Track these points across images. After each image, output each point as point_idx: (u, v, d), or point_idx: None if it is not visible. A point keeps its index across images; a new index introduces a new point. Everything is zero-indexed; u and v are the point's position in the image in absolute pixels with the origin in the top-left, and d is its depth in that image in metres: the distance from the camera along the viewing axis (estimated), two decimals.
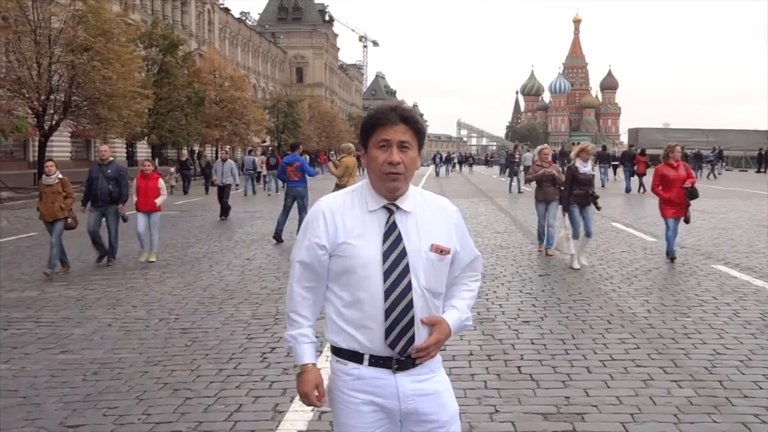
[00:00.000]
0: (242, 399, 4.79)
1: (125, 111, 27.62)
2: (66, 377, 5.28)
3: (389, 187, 2.24)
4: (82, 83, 26.89)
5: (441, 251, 2.28)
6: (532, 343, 6.09)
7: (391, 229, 2.24)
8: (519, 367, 5.40)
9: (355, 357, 2.25)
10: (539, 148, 11.97)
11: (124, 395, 4.89)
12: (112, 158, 11.03)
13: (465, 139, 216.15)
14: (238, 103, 47.95)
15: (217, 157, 44.51)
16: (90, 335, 6.51)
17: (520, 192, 27.57)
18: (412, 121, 2.28)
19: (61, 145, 36.02)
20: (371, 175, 2.29)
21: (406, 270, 2.21)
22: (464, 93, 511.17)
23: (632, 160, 29.48)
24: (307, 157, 36.72)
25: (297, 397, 4.68)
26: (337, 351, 2.30)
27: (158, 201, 11.04)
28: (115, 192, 10.63)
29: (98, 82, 26.55)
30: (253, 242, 13.20)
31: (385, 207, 2.26)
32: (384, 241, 2.22)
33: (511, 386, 4.95)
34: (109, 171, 10.69)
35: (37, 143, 29.28)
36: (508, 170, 44.22)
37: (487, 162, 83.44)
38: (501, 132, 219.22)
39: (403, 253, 2.22)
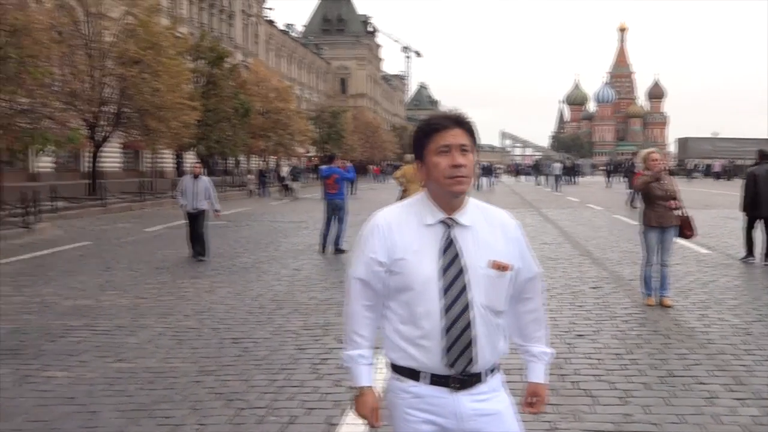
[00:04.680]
0: (295, 411, 4.78)
1: (174, 122, 28.09)
2: (121, 386, 5.34)
3: (455, 191, 2.18)
4: (133, 95, 27.44)
5: (501, 267, 2.22)
6: (588, 357, 5.96)
7: (448, 244, 2.19)
8: (575, 383, 5.28)
9: (413, 375, 2.21)
10: (645, 152, 8.58)
11: (178, 404, 4.91)
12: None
13: (508, 149, 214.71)
14: (283, 113, 48.41)
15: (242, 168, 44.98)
16: (143, 344, 6.58)
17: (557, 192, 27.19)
18: (467, 124, 2.24)
19: (112, 156, 36.82)
20: (431, 185, 2.24)
21: (465, 287, 2.16)
22: (507, 102, 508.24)
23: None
24: (351, 164, 36.95)
25: (350, 411, 4.66)
26: (395, 368, 2.25)
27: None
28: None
29: (148, 94, 27.07)
30: (300, 252, 13.26)
31: (442, 221, 2.22)
32: (441, 256, 2.18)
33: (568, 402, 4.84)
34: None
35: (89, 154, 29.95)
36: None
37: (518, 173, 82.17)
38: (544, 142, 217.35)
39: (461, 270, 2.16)
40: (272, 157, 50.56)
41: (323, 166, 14.48)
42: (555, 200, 30.79)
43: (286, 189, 34.03)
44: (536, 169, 63.18)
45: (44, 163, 30.84)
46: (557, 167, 46.45)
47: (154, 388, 5.29)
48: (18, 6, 17.90)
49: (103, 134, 28.65)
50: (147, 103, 27.23)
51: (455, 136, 2.19)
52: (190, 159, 46.38)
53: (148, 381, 5.44)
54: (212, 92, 37.29)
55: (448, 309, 2.15)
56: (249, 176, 38.28)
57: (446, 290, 2.15)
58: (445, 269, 2.16)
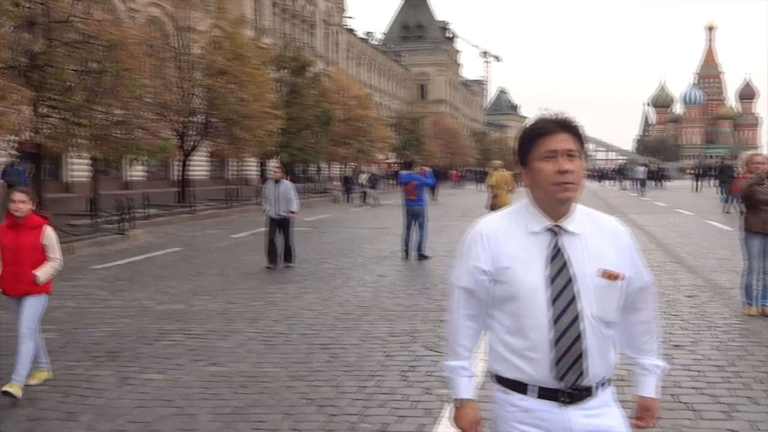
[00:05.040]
0: (386, 418, 4.77)
1: (258, 131, 28.74)
2: (216, 389, 5.46)
3: (561, 198, 2.11)
4: (219, 105, 28.25)
5: (611, 277, 2.13)
6: (687, 369, 5.73)
7: (555, 252, 2.12)
8: (675, 395, 5.07)
9: (520, 387, 2.14)
10: (748, 154, 8.40)
11: (272, 409, 4.98)
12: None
13: (591, 153, 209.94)
14: (364, 121, 48.81)
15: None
16: (235, 348, 6.72)
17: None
18: (574, 129, 2.15)
19: (199, 165, 37.97)
20: (536, 192, 2.17)
21: (574, 297, 2.08)
22: (589, 106, 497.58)
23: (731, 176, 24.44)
24: (430, 169, 36.92)
25: (442, 419, 4.62)
26: (500, 380, 2.19)
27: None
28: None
29: (234, 104, 27.80)
30: (384, 258, 13.30)
31: (548, 229, 2.15)
32: (548, 265, 2.11)
33: (669, 416, 4.64)
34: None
35: (178, 163, 31.00)
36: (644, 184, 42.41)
37: (602, 177, 79.87)
38: (628, 145, 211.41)
39: (570, 279, 2.09)
40: (353, 163, 51.01)
41: (403, 172, 14.50)
42: (641, 205, 29.89)
43: (365, 196, 34.14)
44: (621, 173, 61.58)
45: (137, 172, 32.06)
46: (642, 171, 45.17)
47: (248, 392, 5.39)
48: (114, 22, 18.72)
49: (191, 143, 29.61)
50: (233, 113, 27.97)
51: (561, 141, 2.12)
52: (273, 166, 47.40)
53: (241, 385, 5.55)
54: (295, 101, 37.96)
55: (556, 320, 2.08)
56: (335, 183, 38.74)
57: (554, 300, 2.09)
58: (553, 278, 2.10)
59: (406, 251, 13.24)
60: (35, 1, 15.67)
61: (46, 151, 16.84)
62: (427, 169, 15.92)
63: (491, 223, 2.24)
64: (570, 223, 2.15)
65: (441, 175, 47.14)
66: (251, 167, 46.13)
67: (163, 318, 8.12)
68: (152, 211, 22.29)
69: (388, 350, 6.55)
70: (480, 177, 64.49)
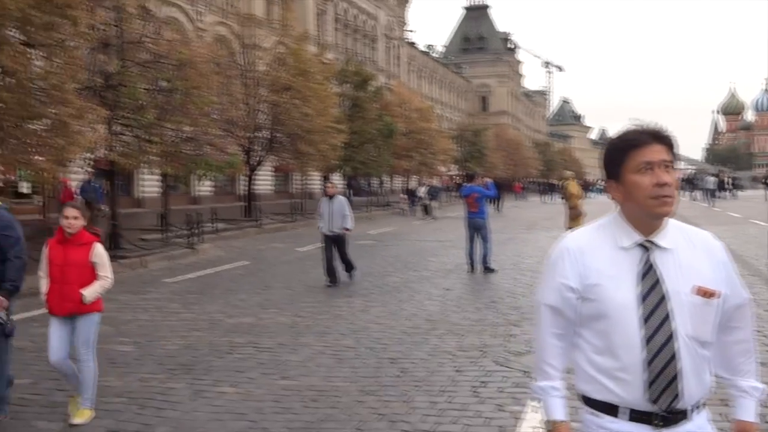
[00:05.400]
0: None
1: (322, 145, 29.05)
2: (288, 403, 5.49)
3: (660, 213, 2.03)
4: (284, 120, 28.69)
5: (707, 294, 2.03)
6: None
7: (647, 269, 2.03)
8: (763, 415, 4.85)
9: (610, 410, 2.05)
10: None
11: (343, 424, 4.98)
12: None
13: None
14: (426, 133, 48.80)
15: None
16: (305, 362, 6.76)
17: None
18: (668, 139, 2.07)
19: (264, 179, 38.59)
20: (628, 206, 2.09)
21: (668, 315, 1.99)
22: (656, 115, 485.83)
23: None
24: (491, 180, 36.58)
25: None
26: (589, 402, 2.11)
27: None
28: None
29: (298, 119, 28.20)
30: (449, 272, 13.22)
31: (640, 244, 2.07)
32: (639, 282, 2.02)
33: None
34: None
35: (245, 178, 31.58)
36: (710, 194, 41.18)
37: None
38: (697, 155, 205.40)
39: (663, 297, 2.00)
40: (415, 176, 51.02)
41: (465, 184, 14.41)
42: (713, 216, 28.94)
43: (425, 209, 33.79)
44: (690, 183, 59.81)
45: (205, 187, 32.81)
46: (711, 181, 43.82)
47: (319, 406, 5.40)
48: (183, 42, 19.25)
49: (257, 158, 30.13)
50: (297, 128, 28.37)
51: (657, 152, 2.04)
52: (336, 180, 47.85)
53: (312, 399, 5.57)
54: (357, 115, 38.26)
55: (649, 339, 2.00)
56: (401, 196, 38.40)
57: (646, 319, 2.01)
58: (645, 296, 2.02)
59: (472, 264, 13.14)
60: (110, 24, 16.23)
61: (119, 167, 17.35)
62: (489, 180, 15.79)
63: (578, 238, 2.17)
64: (662, 238, 2.07)
65: (504, 187, 46.57)
66: (315, 181, 46.62)
67: (233, 331, 8.23)
68: (220, 225, 22.73)
69: (458, 365, 6.48)
70: (544, 189, 63.68)
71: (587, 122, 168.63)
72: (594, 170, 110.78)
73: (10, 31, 11.43)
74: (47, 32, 11.78)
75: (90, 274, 5.19)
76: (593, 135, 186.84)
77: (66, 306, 5.13)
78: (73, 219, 5.15)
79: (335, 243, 11.86)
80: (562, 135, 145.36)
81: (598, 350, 2.08)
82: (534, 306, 2.25)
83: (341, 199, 12.07)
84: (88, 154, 15.95)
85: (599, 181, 57.49)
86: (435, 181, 49.03)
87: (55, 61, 12.50)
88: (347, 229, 11.93)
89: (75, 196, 20.22)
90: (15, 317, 5.43)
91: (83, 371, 5.23)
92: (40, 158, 12.35)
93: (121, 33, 16.55)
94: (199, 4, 37.70)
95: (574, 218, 14.41)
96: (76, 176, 20.27)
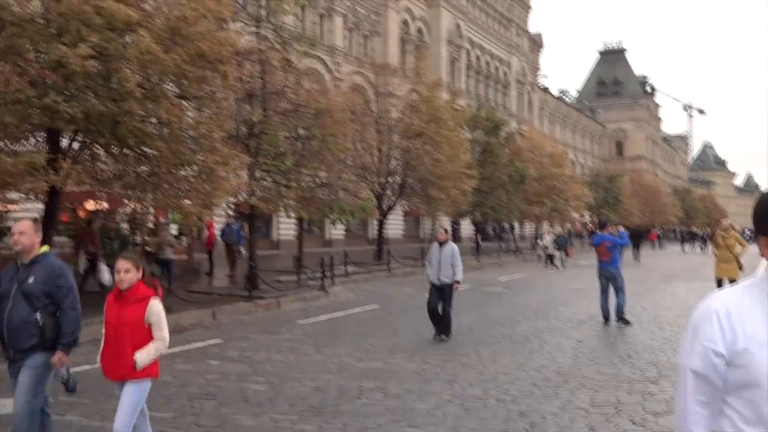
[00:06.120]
0: None
1: (453, 190, 29.24)
2: None
3: None
4: (415, 166, 29.16)
5: None
6: None
7: None
8: None
9: None
10: None
11: None
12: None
13: None
14: (558, 179, 47.95)
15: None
16: (432, 410, 6.73)
17: None
18: None
19: (395, 224, 39.20)
20: None
21: None
22: None
23: None
24: (626, 230, 34.91)
25: None
26: None
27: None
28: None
29: (429, 165, 28.58)
30: (582, 323, 12.81)
31: None
32: None
33: None
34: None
35: (375, 222, 32.23)
36: None
37: None
38: None
39: None
40: (547, 222, 50.07)
41: (597, 232, 13.99)
42: None
43: (549, 259, 30.96)
44: None
45: (337, 230, 33.73)
46: None
47: None
48: (321, 91, 20.12)
49: (388, 203, 30.70)
50: (428, 173, 28.74)
51: None
52: (465, 226, 47.76)
53: None
54: (488, 160, 38.23)
55: None
56: (539, 242, 35.45)
57: None
58: None
59: (606, 316, 12.69)
60: (255, 77, 17.26)
61: (259, 211, 18.22)
62: (621, 228, 15.26)
63: (726, 299, 2.06)
64: None
65: (641, 235, 44.57)
66: (445, 226, 46.81)
67: (362, 375, 8.34)
68: (351, 268, 23.22)
69: (591, 422, 6.24)
70: (686, 237, 60.46)
71: (731, 167, 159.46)
72: (738, 218, 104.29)
73: (168, 85, 12.39)
74: (199, 85, 12.68)
75: (146, 334, 4.60)
76: (738, 181, 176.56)
77: (118, 371, 4.59)
78: (124, 273, 4.60)
79: (442, 293, 11.11)
80: (703, 181, 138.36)
81: (746, 421, 1.96)
82: (676, 367, 2.16)
83: (452, 247, 11.26)
84: (231, 198, 16.88)
85: (745, 230, 53.95)
86: (562, 229, 47.76)
87: (205, 111, 13.41)
88: (457, 282, 11.16)
89: (216, 238, 21.45)
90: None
91: None
92: (189, 202, 13.19)
93: (264, 84, 17.53)
94: (337, 55, 39.33)
95: (734, 269, 13.58)
96: (219, 219, 21.47)
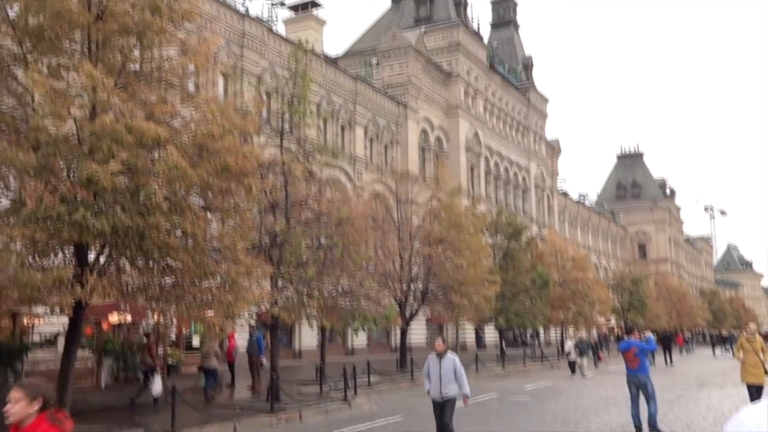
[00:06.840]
0: None
1: (475, 296, 29.03)
2: None
3: None
4: (437, 272, 29.12)
5: None
6: None
7: None
8: None
9: None
10: None
11: None
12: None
13: None
14: (581, 283, 47.53)
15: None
16: None
17: None
18: None
19: (418, 331, 38.75)
20: None
21: None
22: None
23: None
24: (654, 335, 34.25)
25: None
26: None
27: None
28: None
29: (451, 271, 28.55)
30: None
31: None
32: None
33: None
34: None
35: (398, 329, 31.91)
36: None
37: None
38: None
39: None
40: (572, 327, 49.23)
41: (624, 338, 13.74)
42: None
43: (572, 367, 29.89)
44: None
45: (359, 338, 33.37)
46: None
47: None
48: (343, 200, 20.46)
49: (411, 310, 30.48)
50: (451, 279, 28.65)
51: None
52: (489, 332, 47.06)
53: None
54: (510, 265, 38.15)
55: None
56: (569, 345, 33.88)
57: None
58: None
59: (638, 425, 12.26)
60: (278, 188, 17.64)
61: (281, 321, 18.16)
62: (648, 333, 14.99)
63: (758, 418, 2.03)
64: None
65: (671, 339, 43.50)
66: (468, 332, 46.21)
67: None
68: (374, 377, 22.82)
69: None
70: (717, 340, 58.96)
71: (756, 267, 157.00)
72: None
73: (193, 197, 12.68)
74: (224, 197, 12.96)
75: None
76: (766, 282, 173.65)
77: None
78: (12, 403, 3.68)
79: (442, 409, 10.16)
80: (731, 283, 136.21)
81: None
82: None
83: (453, 358, 10.34)
84: (254, 308, 16.88)
85: None
86: (588, 334, 46.81)
87: (229, 222, 13.64)
88: (466, 397, 10.33)
89: (237, 349, 21.36)
90: None
91: None
92: (211, 313, 13.20)
93: (287, 195, 17.88)
94: (358, 164, 40.19)
95: (761, 374, 13.20)
96: (240, 329, 21.38)
